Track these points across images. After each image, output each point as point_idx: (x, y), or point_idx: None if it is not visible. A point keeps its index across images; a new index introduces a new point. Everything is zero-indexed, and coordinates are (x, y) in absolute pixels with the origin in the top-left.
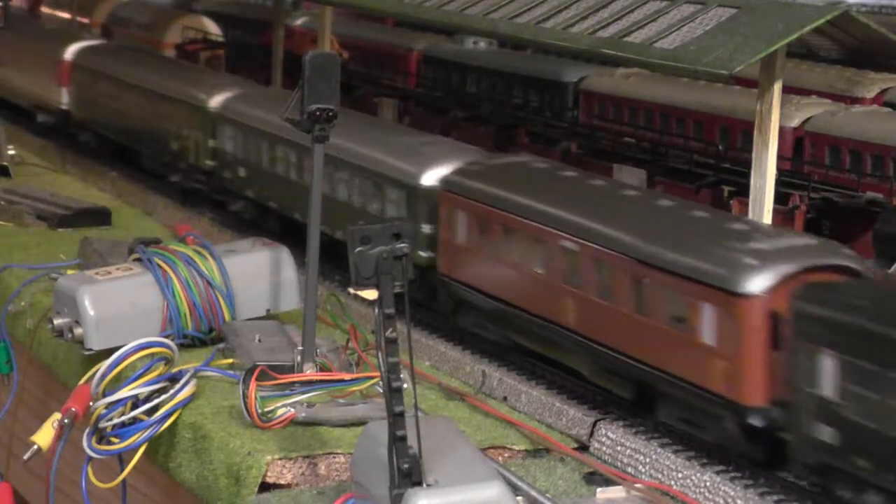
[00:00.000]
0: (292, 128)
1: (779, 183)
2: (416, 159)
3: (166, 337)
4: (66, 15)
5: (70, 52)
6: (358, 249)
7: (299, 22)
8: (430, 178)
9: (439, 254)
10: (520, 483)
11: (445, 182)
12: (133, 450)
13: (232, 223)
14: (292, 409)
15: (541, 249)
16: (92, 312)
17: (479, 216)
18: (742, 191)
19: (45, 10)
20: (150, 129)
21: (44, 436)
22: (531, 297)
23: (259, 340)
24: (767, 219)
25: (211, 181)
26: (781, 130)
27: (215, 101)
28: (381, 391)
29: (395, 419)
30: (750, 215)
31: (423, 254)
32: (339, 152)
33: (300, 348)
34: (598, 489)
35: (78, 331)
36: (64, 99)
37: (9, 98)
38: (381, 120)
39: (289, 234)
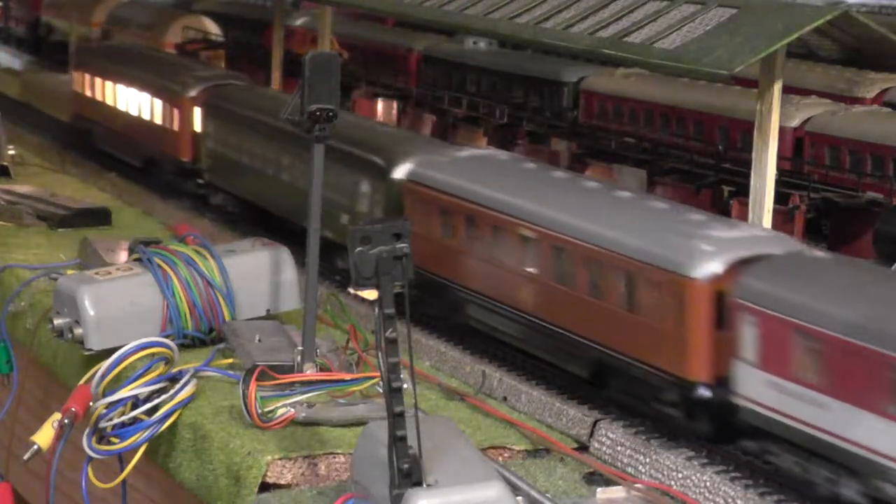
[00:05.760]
0: None
1: (779, 183)
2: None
3: (166, 337)
4: None
5: None
6: (358, 249)
7: (299, 22)
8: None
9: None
10: (520, 483)
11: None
12: (133, 450)
13: (232, 223)
14: (292, 409)
15: None
16: (92, 312)
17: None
18: (742, 191)
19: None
20: None
21: (44, 436)
22: None
23: (259, 340)
24: (767, 219)
25: None
26: (781, 130)
27: None
28: (381, 391)
29: (395, 419)
30: (750, 215)
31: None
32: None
33: (300, 348)
34: (598, 489)
35: (78, 331)
36: None
37: None
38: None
39: None
